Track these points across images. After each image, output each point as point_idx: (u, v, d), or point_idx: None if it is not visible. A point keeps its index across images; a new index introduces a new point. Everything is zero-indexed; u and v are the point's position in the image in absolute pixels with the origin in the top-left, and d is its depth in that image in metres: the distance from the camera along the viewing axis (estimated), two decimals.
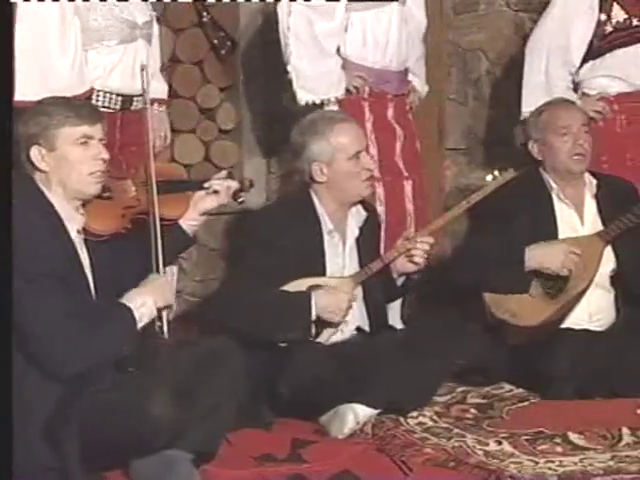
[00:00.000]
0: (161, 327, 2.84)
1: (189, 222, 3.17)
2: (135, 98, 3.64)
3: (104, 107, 3.58)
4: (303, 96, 3.91)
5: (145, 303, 2.78)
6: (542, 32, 4.20)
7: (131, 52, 3.58)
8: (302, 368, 3.17)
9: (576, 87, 4.19)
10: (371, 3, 3.96)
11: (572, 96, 4.10)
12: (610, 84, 4.14)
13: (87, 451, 2.57)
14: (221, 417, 2.79)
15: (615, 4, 4.13)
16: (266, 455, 2.96)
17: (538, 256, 3.59)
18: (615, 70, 4.14)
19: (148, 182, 3.01)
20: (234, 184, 3.24)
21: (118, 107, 3.61)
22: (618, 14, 4.13)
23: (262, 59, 4.51)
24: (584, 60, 4.17)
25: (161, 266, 2.90)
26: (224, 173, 3.31)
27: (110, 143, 3.61)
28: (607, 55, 4.14)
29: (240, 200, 3.32)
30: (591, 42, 4.14)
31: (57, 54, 3.45)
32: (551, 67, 4.16)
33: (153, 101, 3.84)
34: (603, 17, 4.13)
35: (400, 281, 3.55)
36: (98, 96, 3.58)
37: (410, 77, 4.15)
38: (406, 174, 4.04)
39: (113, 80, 3.57)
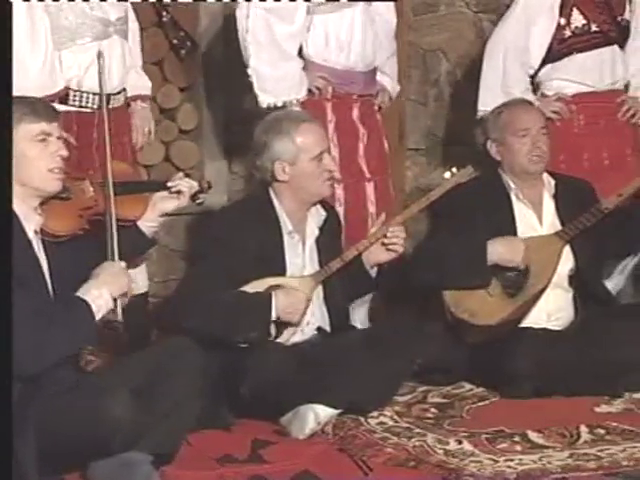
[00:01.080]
0: (114, 311, 2.81)
1: (147, 223, 3.15)
2: (113, 96, 3.63)
3: (81, 107, 3.57)
4: (264, 99, 3.91)
5: (101, 295, 2.75)
6: (502, 33, 4.23)
7: (106, 50, 3.58)
8: (263, 369, 3.16)
9: (535, 88, 4.23)
10: (334, 5, 3.97)
11: (530, 97, 4.13)
12: (569, 86, 4.19)
13: (44, 453, 2.55)
14: (181, 418, 2.77)
15: (575, 9, 4.17)
16: (226, 456, 2.95)
17: (500, 249, 3.60)
18: (573, 74, 4.18)
19: (105, 183, 2.98)
20: (194, 184, 3.24)
21: (96, 106, 3.59)
22: (577, 19, 4.17)
23: (222, 60, 4.50)
24: (543, 62, 4.20)
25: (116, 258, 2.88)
26: (181, 175, 3.30)
27: (86, 143, 3.62)
28: (565, 59, 4.18)
29: (199, 202, 3.31)
30: (550, 45, 4.18)
31: (27, 54, 3.43)
32: (509, 67, 4.19)
33: (136, 97, 3.85)
34: (563, 21, 4.17)
35: (374, 272, 3.55)
36: (75, 96, 3.56)
37: (379, 77, 4.14)
38: (369, 176, 4.04)
39: (89, 79, 3.56)
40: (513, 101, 3.93)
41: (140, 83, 3.87)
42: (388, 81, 4.19)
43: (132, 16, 3.87)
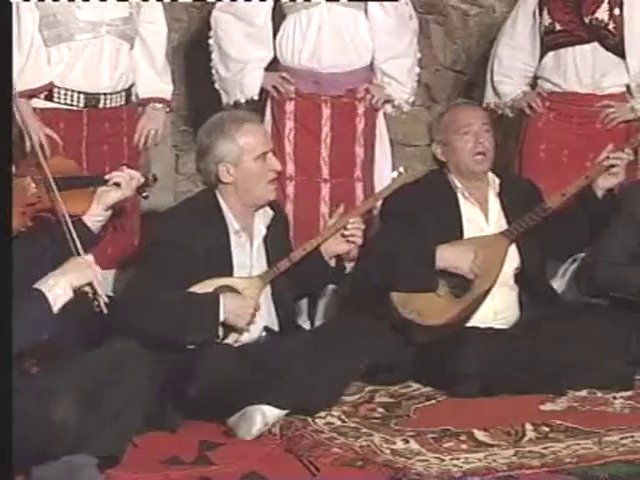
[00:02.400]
0: (98, 305, 2.77)
1: (93, 218, 3.14)
2: (103, 96, 3.61)
3: (66, 104, 3.55)
4: (224, 97, 4.00)
5: (57, 283, 2.67)
6: (501, 31, 4.34)
7: (95, 50, 3.54)
8: (210, 370, 3.15)
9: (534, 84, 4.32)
10: (296, 5, 3.97)
11: (517, 89, 4.28)
12: (545, 84, 4.27)
13: None
14: (126, 420, 2.75)
15: (545, 9, 4.22)
16: (173, 458, 2.93)
17: (449, 256, 3.62)
18: (545, 72, 4.27)
19: (47, 179, 2.96)
20: (136, 175, 3.23)
21: (82, 105, 3.57)
22: (545, 19, 4.22)
23: (172, 59, 4.47)
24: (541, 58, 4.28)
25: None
26: (123, 167, 3.29)
27: (75, 141, 3.59)
28: (544, 57, 4.25)
29: (145, 195, 3.31)
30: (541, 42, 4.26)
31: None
32: (497, 64, 4.32)
33: (150, 100, 3.79)
34: (538, 20, 4.24)
35: (333, 262, 3.55)
36: (59, 94, 3.55)
37: (386, 79, 4.13)
38: (327, 176, 4.05)
39: (74, 78, 3.56)
40: (456, 102, 3.97)
41: (157, 86, 3.85)
42: (392, 83, 4.15)
43: (156, 18, 3.85)
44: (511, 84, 4.31)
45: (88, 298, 2.76)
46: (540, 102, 4.24)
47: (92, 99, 3.64)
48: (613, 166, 3.69)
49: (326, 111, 4.03)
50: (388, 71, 4.14)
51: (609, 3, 4.18)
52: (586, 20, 4.18)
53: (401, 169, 3.58)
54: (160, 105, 3.90)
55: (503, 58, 4.32)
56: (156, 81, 3.87)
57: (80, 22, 3.58)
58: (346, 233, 3.48)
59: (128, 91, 3.79)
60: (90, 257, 2.80)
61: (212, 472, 2.85)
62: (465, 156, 3.75)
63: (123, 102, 3.77)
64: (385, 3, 4.09)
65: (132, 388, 2.75)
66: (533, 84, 4.34)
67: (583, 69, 4.20)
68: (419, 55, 4.26)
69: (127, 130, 3.82)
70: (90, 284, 2.75)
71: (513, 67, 4.31)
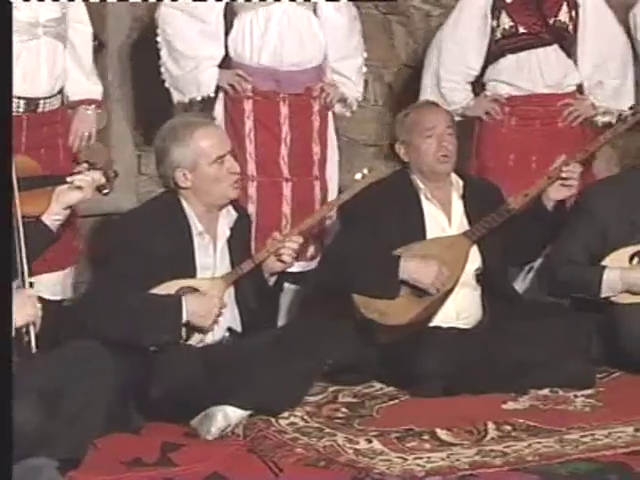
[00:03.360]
0: (29, 342, 2.76)
1: (52, 217, 3.12)
2: (43, 100, 3.56)
3: None
4: (177, 96, 3.96)
5: None
6: (444, 35, 4.29)
7: (32, 52, 3.50)
8: (173, 371, 3.14)
9: (480, 89, 4.31)
10: (250, 3, 3.96)
11: (468, 97, 4.23)
12: (503, 87, 4.26)
13: None
14: (88, 422, 2.74)
15: (503, 11, 4.23)
16: (135, 459, 2.92)
17: (412, 269, 3.61)
18: (505, 75, 4.26)
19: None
20: (98, 176, 3.20)
21: (22, 110, 3.53)
22: (505, 21, 4.23)
23: (130, 59, 4.46)
24: (486, 64, 4.27)
25: (26, 275, 2.82)
26: (85, 166, 3.26)
27: (15, 147, 3.55)
28: (501, 60, 4.25)
29: (105, 192, 3.28)
30: (488, 47, 4.25)
31: None
32: (443, 71, 4.26)
33: (82, 102, 3.75)
34: (494, 23, 4.24)
35: (272, 281, 3.55)
36: None
37: (334, 76, 4.13)
38: (288, 175, 4.04)
39: (14, 83, 3.49)
40: (420, 103, 3.98)
41: (86, 87, 3.81)
42: (345, 82, 4.15)
43: (80, 17, 3.79)
44: (460, 90, 4.29)
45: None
46: (498, 107, 4.25)
47: (32, 104, 3.59)
48: (567, 178, 3.70)
49: (284, 109, 4.02)
50: (341, 70, 4.15)
51: (568, 5, 4.23)
52: (550, 22, 4.21)
53: (365, 171, 3.58)
54: (91, 107, 3.85)
55: (449, 65, 4.27)
56: (85, 82, 3.80)
57: (17, 23, 3.52)
58: (278, 252, 3.45)
59: (62, 92, 3.75)
60: (31, 291, 2.78)
61: (174, 473, 2.84)
62: (428, 157, 3.76)
63: (59, 104, 3.73)
64: (338, 3, 4.11)
65: (93, 389, 2.74)
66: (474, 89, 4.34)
67: (548, 70, 4.24)
68: (365, 55, 4.26)
69: (62, 132, 3.76)
70: (33, 322, 2.75)
71: (460, 73, 4.29)
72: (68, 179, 3.15)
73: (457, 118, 4.14)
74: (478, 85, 4.33)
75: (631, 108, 3.75)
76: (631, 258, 3.79)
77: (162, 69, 4.01)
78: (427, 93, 4.26)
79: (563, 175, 3.70)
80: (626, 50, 4.31)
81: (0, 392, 2.32)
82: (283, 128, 4.01)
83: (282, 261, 3.46)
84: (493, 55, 4.26)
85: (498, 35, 4.25)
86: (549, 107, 4.26)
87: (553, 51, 4.24)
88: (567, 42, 4.25)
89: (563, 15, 4.23)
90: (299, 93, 4.04)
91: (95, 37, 4.37)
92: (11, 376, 2.36)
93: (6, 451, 2.32)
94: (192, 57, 3.98)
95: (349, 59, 4.17)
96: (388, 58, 4.37)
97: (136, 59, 4.40)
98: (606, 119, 4.26)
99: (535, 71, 4.24)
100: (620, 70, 4.28)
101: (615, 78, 4.27)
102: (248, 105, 4.00)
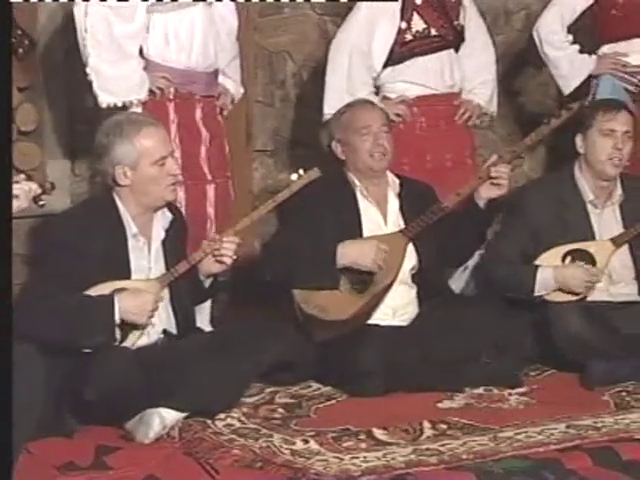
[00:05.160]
0: None
1: None
2: None
3: None
4: (104, 98, 3.87)
5: None
6: (345, 36, 4.29)
7: None
8: (107, 374, 3.11)
9: (377, 91, 4.30)
10: (173, 4, 3.94)
11: (374, 99, 4.20)
12: (411, 88, 4.28)
13: None
14: (19, 427, 2.69)
15: (415, 13, 4.26)
16: (69, 464, 2.89)
17: (350, 253, 3.64)
18: (416, 77, 4.29)
19: None
20: (34, 187, 3.16)
21: None
22: (418, 23, 4.26)
23: (62, 59, 4.40)
24: (385, 65, 4.28)
25: None
26: (22, 177, 3.21)
27: None
28: (407, 62, 4.27)
29: (41, 203, 3.23)
30: (392, 48, 4.26)
31: None
32: (353, 71, 4.26)
33: None
34: (404, 25, 4.26)
35: (207, 282, 3.53)
36: None
37: (222, 79, 4.13)
38: (210, 177, 4.03)
39: None
40: (355, 101, 3.99)
41: None
42: (231, 84, 4.18)
43: None
44: (366, 93, 4.30)
45: None
46: (407, 109, 4.28)
47: None
48: (497, 177, 3.75)
49: (199, 112, 4.02)
50: (228, 71, 4.16)
51: (462, 8, 4.33)
52: (455, 24, 4.29)
53: (300, 171, 3.59)
54: None
55: (357, 66, 4.27)
56: None
57: None
58: (215, 254, 3.44)
59: None
60: None
61: (109, 477, 2.83)
62: (365, 155, 3.78)
63: None
64: (230, 5, 4.13)
65: (25, 393, 2.69)
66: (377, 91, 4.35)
67: (448, 71, 4.31)
68: None
69: None
70: None
71: (366, 75, 4.32)
72: None
73: None
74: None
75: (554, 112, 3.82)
76: (564, 257, 3.84)
77: (88, 70, 3.89)
78: (332, 91, 4.26)
79: (492, 174, 3.74)
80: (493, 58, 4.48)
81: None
82: (202, 130, 4.00)
83: (221, 262, 3.44)
84: (399, 57, 4.27)
85: (408, 37, 4.27)
86: (449, 106, 4.33)
87: (452, 52, 4.34)
88: (459, 44, 4.37)
89: (461, 18, 4.33)
90: (209, 95, 4.04)
91: (26, 35, 4.34)
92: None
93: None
94: (118, 59, 3.94)
95: (235, 60, 4.21)
96: (324, 58, 4.36)
97: (67, 57, 4.34)
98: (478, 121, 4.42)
99: (444, 72, 4.31)
100: (492, 71, 4.44)
101: (492, 81, 4.43)
102: (171, 108, 3.97)
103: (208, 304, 3.93)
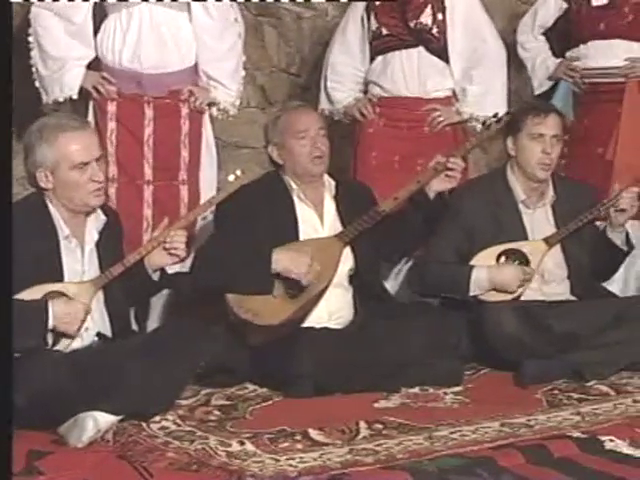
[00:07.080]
0: None
1: None
2: None
3: None
4: (43, 96, 3.94)
5: None
6: (333, 39, 4.42)
7: None
8: (38, 377, 3.07)
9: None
10: (115, 5, 3.92)
11: (350, 96, 4.40)
12: (374, 88, 4.33)
13: None
14: None
15: (372, 14, 4.30)
16: None
17: (284, 260, 3.63)
18: (374, 76, 4.34)
19: None
20: None
21: None
22: (373, 24, 4.30)
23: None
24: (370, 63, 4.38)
25: None
26: None
27: None
28: (374, 61, 4.32)
29: None
30: (361, 48, 4.38)
31: None
32: (330, 71, 4.43)
33: None
34: (366, 25, 4.31)
35: (156, 276, 3.50)
36: None
37: (205, 81, 4.10)
38: (150, 178, 4.00)
39: None
40: (290, 105, 4.01)
41: None
42: (217, 86, 4.13)
43: None
44: (343, 90, 4.39)
45: None
46: (371, 108, 4.33)
47: None
48: (451, 169, 3.75)
49: (149, 112, 3.99)
50: (211, 73, 4.13)
51: (432, 8, 4.30)
52: (411, 24, 4.29)
53: (238, 172, 3.58)
54: None
55: (335, 64, 4.42)
56: None
57: None
58: (167, 246, 3.42)
59: None
60: None
61: None
62: (302, 159, 3.78)
63: None
64: (208, 5, 4.08)
65: None
66: (365, 90, 4.42)
67: (410, 73, 4.32)
68: (244, 58, 4.26)
69: None
70: None
71: (344, 73, 4.40)
72: None
73: (343, 118, 4.36)
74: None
75: (495, 115, 3.83)
76: (498, 257, 3.88)
77: (33, 69, 3.98)
78: (321, 93, 4.40)
79: (449, 166, 3.73)
80: (496, 57, 4.39)
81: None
82: (146, 131, 3.98)
83: (173, 254, 3.41)
84: (370, 56, 4.36)
85: (370, 37, 4.32)
86: (414, 111, 4.34)
87: (417, 53, 4.32)
88: (433, 45, 4.32)
89: (425, 17, 4.31)
90: (164, 96, 4.01)
91: None
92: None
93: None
94: (58, 57, 3.95)
95: (219, 62, 4.15)
96: (260, 60, 4.38)
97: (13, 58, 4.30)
98: (472, 125, 4.36)
99: (397, 73, 4.33)
100: (484, 77, 4.36)
101: (479, 84, 4.35)
102: (112, 107, 3.96)
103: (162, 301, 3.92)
